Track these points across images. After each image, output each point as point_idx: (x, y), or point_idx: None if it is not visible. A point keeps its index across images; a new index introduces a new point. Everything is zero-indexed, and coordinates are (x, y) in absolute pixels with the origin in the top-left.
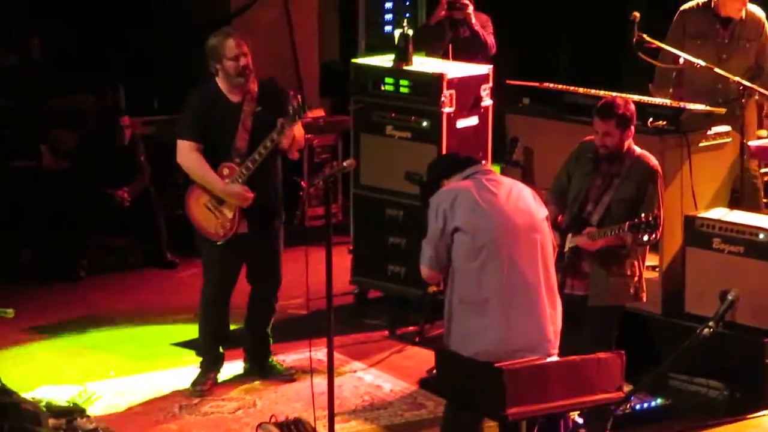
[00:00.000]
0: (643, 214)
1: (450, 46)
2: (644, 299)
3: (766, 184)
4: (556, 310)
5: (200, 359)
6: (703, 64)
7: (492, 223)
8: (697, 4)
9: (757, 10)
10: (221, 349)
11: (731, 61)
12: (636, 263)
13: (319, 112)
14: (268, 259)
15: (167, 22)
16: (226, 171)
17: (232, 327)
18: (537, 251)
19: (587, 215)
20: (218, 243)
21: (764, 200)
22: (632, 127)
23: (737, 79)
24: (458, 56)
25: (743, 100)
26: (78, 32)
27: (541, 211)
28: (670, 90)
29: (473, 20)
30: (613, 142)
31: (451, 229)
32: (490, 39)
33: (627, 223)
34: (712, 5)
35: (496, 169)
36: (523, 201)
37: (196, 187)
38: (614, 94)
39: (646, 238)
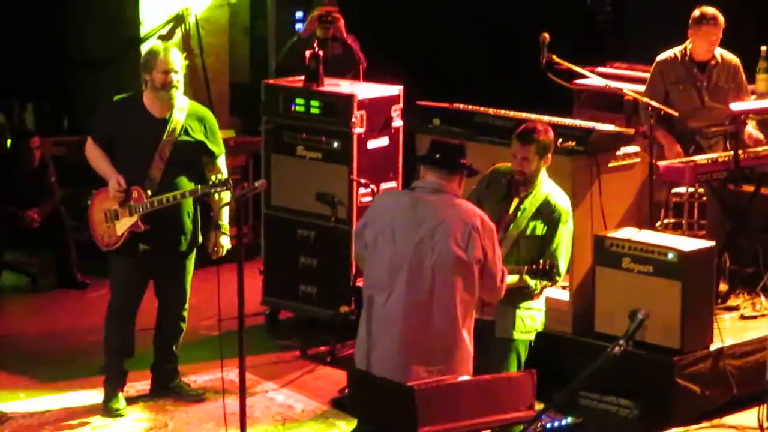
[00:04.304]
0: (541, 261)
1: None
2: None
3: (676, 204)
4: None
5: (104, 377)
6: (675, 114)
7: None
8: (674, 54)
9: (731, 56)
10: (124, 366)
11: (714, 102)
12: (542, 297)
13: (230, 133)
14: (174, 276)
15: (77, 43)
16: (135, 194)
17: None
18: None
19: None
20: (102, 249)
21: (672, 220)
22: (550, 155)
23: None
24: (328, 73)
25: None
26: None
27: None
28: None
29: (344, 35)
30: (530, 168)
31: None
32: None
33: (525, 267)
34: (687, 53)
35: None
36: None
37: (104, 191)
38: (524, 115)
39: (542, 284)
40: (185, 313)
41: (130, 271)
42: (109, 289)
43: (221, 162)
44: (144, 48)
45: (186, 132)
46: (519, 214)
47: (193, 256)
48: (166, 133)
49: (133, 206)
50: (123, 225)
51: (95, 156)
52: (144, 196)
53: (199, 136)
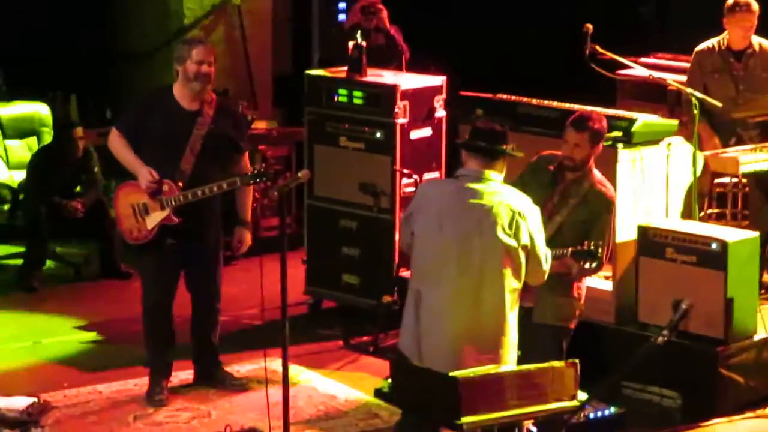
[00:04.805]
0: (586, 242)
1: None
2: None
3: (720, 194)
4: None
5: (149, 369)
6: (719, 104)
7: None
8: (711, 44)
9: None
10: (169, 358)
11: (748, 92)
12: (582, 285)
13: (272, 124)
14: (204, 269)
15: (121, 34)
16: (166, 187)
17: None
18: None
19: None
20: (129, 243)
21: (715, 210)
22: (601, 144)
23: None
24: (371, 63)
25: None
26: (32, 42)
27: None
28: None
29: (387, 25)
30: (581, 155)
31: None
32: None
33: (570, 249)
34: (724, 42)
35: None
36: None
37: (132, 185)
38: (567, 105)
39: (587, 266)
40: (219, 305)
41: (161, 264)
42: (141, 284)
43: (247, 159)
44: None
45: (216, 125)
46: (565, 200)
47: (220, 248)
48: (197, 125)
49: (165, 199)
50: (154, 219)
51: (120, 147)
52: (176, 189)
53: (228, 130)
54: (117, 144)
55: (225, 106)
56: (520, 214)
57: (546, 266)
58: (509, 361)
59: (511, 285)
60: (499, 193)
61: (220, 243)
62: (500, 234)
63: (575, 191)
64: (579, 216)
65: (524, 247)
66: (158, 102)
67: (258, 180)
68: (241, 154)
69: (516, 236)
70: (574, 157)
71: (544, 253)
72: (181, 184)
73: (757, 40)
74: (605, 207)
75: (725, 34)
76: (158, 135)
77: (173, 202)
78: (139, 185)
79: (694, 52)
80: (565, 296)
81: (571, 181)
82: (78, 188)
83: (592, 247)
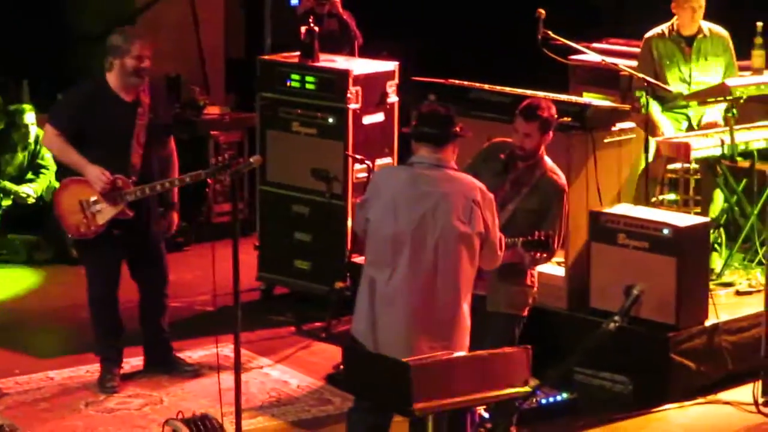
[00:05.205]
0: (536, 232)
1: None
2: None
3: (672, 180)
4: None
5: (99, 357)
6: (671, 90)
7: None
8: (661, 30)
9: (719, 29)
10: (119, 345)
11: (698, 76)
12: (535, 273)
13: (225, 109)
14: (149, 254)
15: (72, 18)
16: (119, 182)
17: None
18: None
19: None
20: (69, 235)
21: (667, 196)
22: (551, 132)
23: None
24: (324, 49)
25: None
26: None
27: None
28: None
29: (340, 11)
30: (532, 144)
31: None
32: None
33: (521, 239)
34: (674, 28)
35: None
36: None
37: (78, 181)
38: (520, 91)
39: (538, 256)
40: (166, 290)
41: (106, 256)
42: (86, 275)
43: (173, 140)
44: (140, 22)
45: (155, 113)
46: (516, 188)
47: (162, 234)
48: (138, 116)
49: (121, 195)
50: (106, 214)
51: (61, 145)
52: (129, 185)
53: (163, 116)
54: (56, 143)
55: (156, 90)
56: (474, 201)
57: (500, 252)
58: (462, 347)
59: (466, 271)
60: (453, 180)
61: (161, 229)
62: (454, 221)
63: (527, 179)
64: (531, 204)
65: (479, 234)
66: (96, 96)
67: (222, 171)
68: (169, 137)
69: (470, 223)
70: (525, 147)
71: (498, 237)
72: (134, 179)
73: (706, 25)
74: (557, 195)
75: (674, 20)
76: (101, 130)
77: (129, 197)
78: (85, 182)
79: (643, 39)
80: (519, 285)
81: (522, 169)
82: (30, 174)
83: (543, 237)
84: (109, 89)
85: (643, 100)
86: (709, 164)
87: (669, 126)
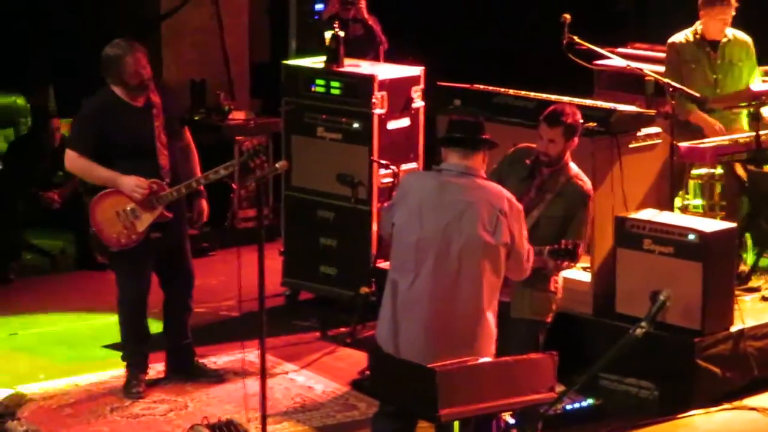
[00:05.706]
0: (563, 241)
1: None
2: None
3: (698, 185)
4: None
5: (125, 363)
6: (696, 95)
7: None
8: (686, 35)
9: (743, 35)
10: (146, 351)
11: (724, 81)
12: (558, 279)
13: (250, 114)
14: (175, 260)
15: (96, 23)
16: (155, 186)
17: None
18: None
19: None
20: (110, 249)
21: (692, 201)
22: (576, 138)
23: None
24: (349, 54)
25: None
26: (4, 31)
27: None
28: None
29: (366, 15)
30: (556, 150)
31: None
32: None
33: (547, 247)
34: (699, 33)
35: None
36: None
37: (109, 193)
38: (545, 96)
39: (563, 264)
40: (192, 294)
41: (140, 261)
42: (117, 282)
43: (187, 130)
44: (164, 27)
45: (168, 111)
46: (541, 195)
47: (186, 238)
48: (154, 118)
49: (158, 198)
50: (145, 221)
51: (86, 167)
52: (164, 186)
53: (175, 111)
54: (81, 165)
55: (164, 89)
56: (501, 211)
57: (528, 263)
58: (487, 355)
59: (490, 280)
60: (481, 189)
61: (185, 235)
62: (479, 230)
63: (552, 186)
64: (556, 211)
65: (504, 245)
66: (107, 109)
67: (255, 158)
68: (183, 128)
69: (495, 233)
70: (550, 153)
71: (527, 249)
72: (168, 180)
73: (730, 31)
74: (582, 201)
75: (698, 25)
76: (123, 141)
77: (167, 199)
78: (117, 192)
79: (668, 44)
80: (542, 291)
81: (547, 175)
82: (59, 174)
83: (570, 246)
84: (119, 98)
85: (690, 106)
86: (733, 169)
87: (715, 129)
